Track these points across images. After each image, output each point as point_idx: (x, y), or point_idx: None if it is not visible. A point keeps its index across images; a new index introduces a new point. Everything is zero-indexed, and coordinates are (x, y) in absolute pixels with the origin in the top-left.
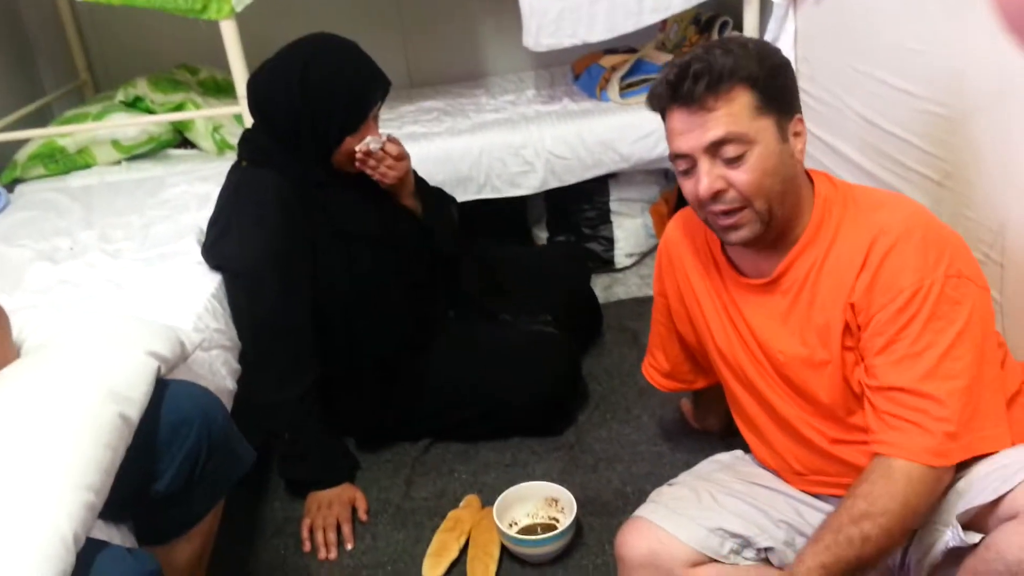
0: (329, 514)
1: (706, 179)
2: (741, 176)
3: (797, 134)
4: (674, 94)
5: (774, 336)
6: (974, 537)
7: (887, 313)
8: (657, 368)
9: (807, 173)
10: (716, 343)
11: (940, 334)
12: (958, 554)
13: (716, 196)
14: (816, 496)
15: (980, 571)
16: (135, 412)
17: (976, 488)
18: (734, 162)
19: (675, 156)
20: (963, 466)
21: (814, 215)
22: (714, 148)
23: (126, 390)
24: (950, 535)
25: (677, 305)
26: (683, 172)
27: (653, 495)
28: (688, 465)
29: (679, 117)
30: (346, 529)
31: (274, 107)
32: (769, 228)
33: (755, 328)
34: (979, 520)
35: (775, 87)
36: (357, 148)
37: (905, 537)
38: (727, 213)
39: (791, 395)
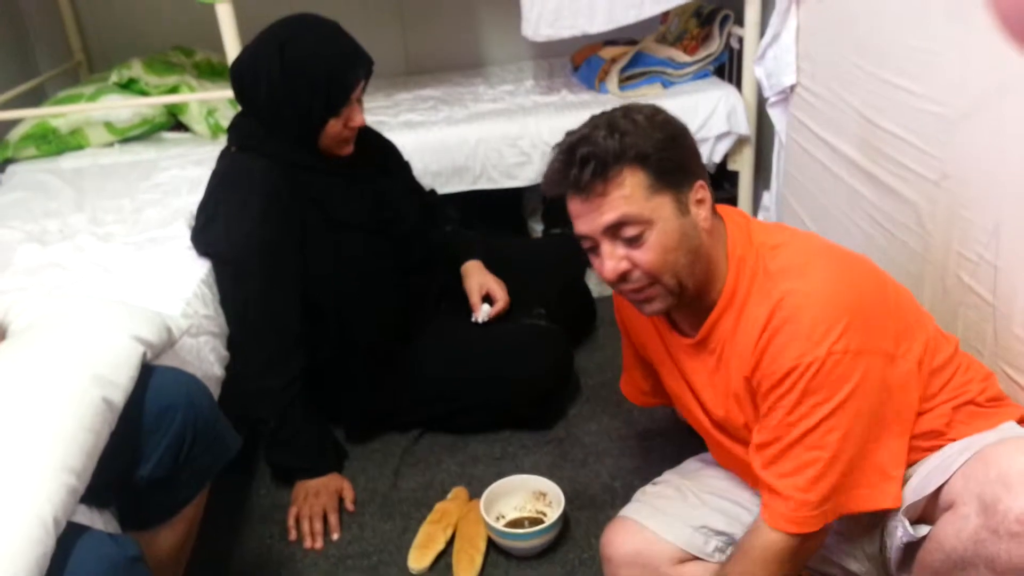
0: (316, 503)
1: (609, 262)
2: (643, 256)
3: (700, 201)
4: (563, 181)
5: (705, 394)
6: (923, 530)
7: (767, 386)
8: (635, 385)
9: (723, 221)
10: (670, 388)
11: (813, 409)
12: (915, 548)
13: (623, 277)
14: None
15: (927, 562)
16: (119, 396)
17: (923, 483)
18: (634, 242)
19: (580, 237)
20: (913, 463)
21: (728, 278)
22: (611, 231)
23: (110, 374)
24: (900, 531)
25: (635, 339)
26: (589, 250)
27: (638, 494)
28: (677, 460)
29: (574, 203)
30: (332, 519)
31: (255, 91)
32: (682, 298)
33: (694, 386)
34: (928, 513)
35: (668, 162)
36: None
37: None
38: (636, 291)
39: (737, 442)
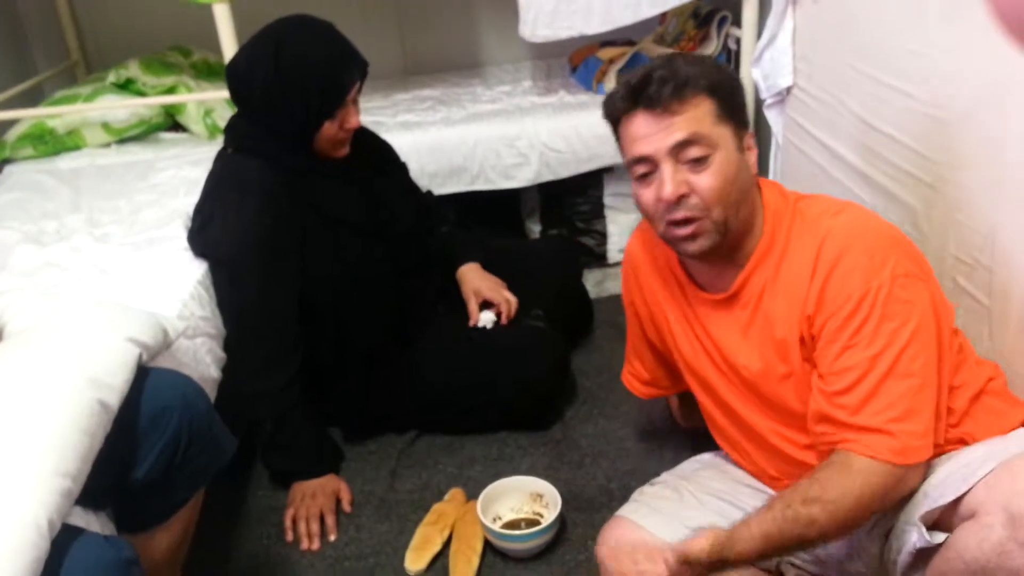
0: (312, 505)
1: (670, 183)
2: (704, 181)
3: (750, 149)
4: (637, 98)
5: (737, 350)
6: (939, 537)
7: (838, 320)
8: (636, 376)
9: (758, 183)
10: (684, 357)
11: (895, 335)
12: (927, 554)
13: (679, 201)
14: None
15: (943, 571)
16: (114, 399)
17: (940, 489)
18: (697, 165)
19: (635, 160)
20: (929, 467)
21: (766, 229)
22: (678, 150)
23: (105, 377)
24: (916, 536)
25: (646, 317)
26: (641, 178)
27: (635, 494)
28: (674, 462)
29: (642, 121)
30: (329, 520)
31: (250, 94)
32: (724, 240)
33: (719, 342)
34: (944, 520)
35: (732, 101)
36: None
37: (852, 530)
38: (686, 221)
39: (760, 407)
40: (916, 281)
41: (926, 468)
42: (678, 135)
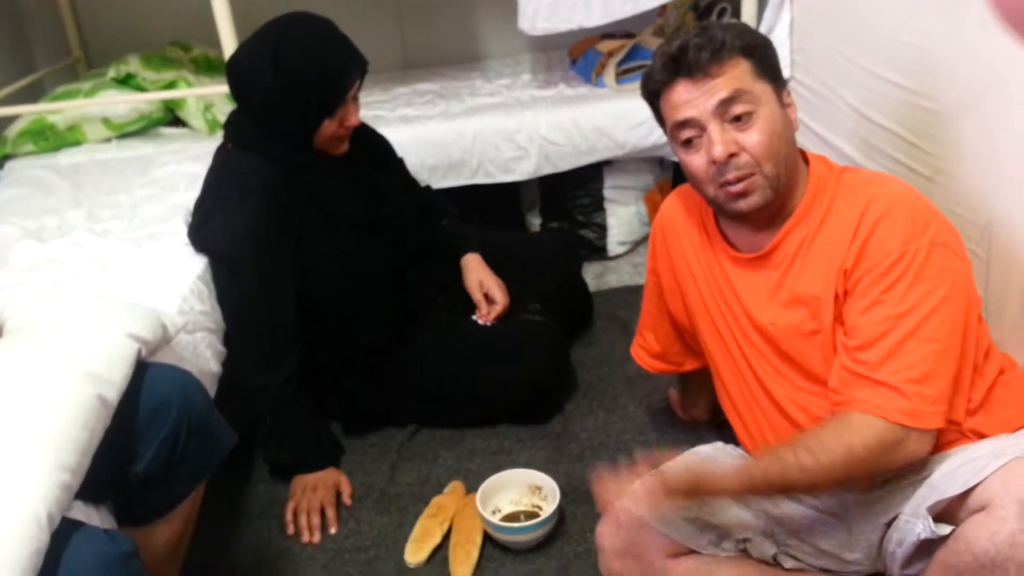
0: (313, 498)
1: (720, 143)
2: (752, 137)
3: (790, 105)
4: (677, 66)
5: (764, 309)
6: (944, 529)
7: (873, 275)
8: (647, 349)
9: (803, 154)
10: (709, 316)
11: (925, 298)
12: (929, 546)
13: (728, 161)
14: None
15: (950, 562)
16: (114, 394)
17: (947, 480)
18: (743, 123)
19: (681, 125)
20: (932, 460)
21: (808, 190)
22: (722, 109)
23: (105, 372)
24: (921, 527)
25: (669, 282)
26: (687, 143)
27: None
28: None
29: (683, 88)
30: (330, 513)
31: (250, 92)
32: (776, 196)
33: (745, 302)
34: (949, 512)
35: (768, 59)
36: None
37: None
38: (738, 180)
39: (781, 367)
40: (953, 254)
41: (932, 440)
42: (721, 94)
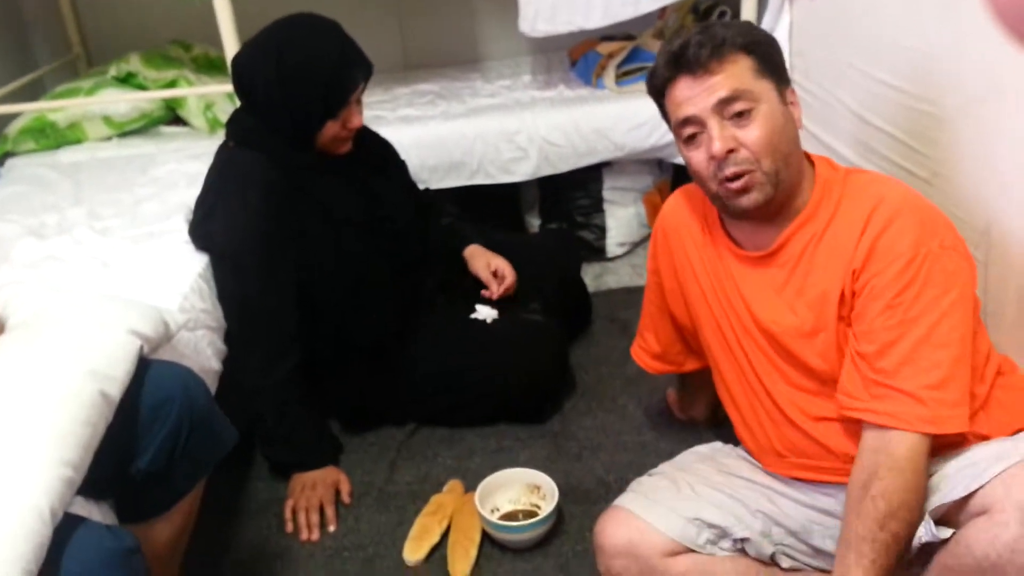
0: (312, 496)
1: (719, 139)
2: (751, 134)
3: (794, 104)
4: (678, 63)
5: (767, 308)
6: (945, 532)
7: (885, 277)
8: (647, 350)
9: (808, 156)
10: (712, 315)
11: (936, 302)
12: (930, 549)
13: (727, 156)
14: (795, 481)
15: (950, 566)
16: (116, 390)
17: (948, 484)
18: (742, 119)
19: (683, 122)
20: (935, 462)
21: (815, 192)
22: (721, 107)
23: (107, 368)
24: (923, 530)
25: (671, 282)
26: (689, 140)
27: (633, 485)
28: (672, 455)
29: (685, 85)
30: (329, 511)
31: (254, 91)
32: (776, 193)
33: (749, 300)
34: (950, 515)
35: (770, 57)
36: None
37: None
38: (738, 176)
39: (782, 367)
40: (961, 258)
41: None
42: (721, 92)
